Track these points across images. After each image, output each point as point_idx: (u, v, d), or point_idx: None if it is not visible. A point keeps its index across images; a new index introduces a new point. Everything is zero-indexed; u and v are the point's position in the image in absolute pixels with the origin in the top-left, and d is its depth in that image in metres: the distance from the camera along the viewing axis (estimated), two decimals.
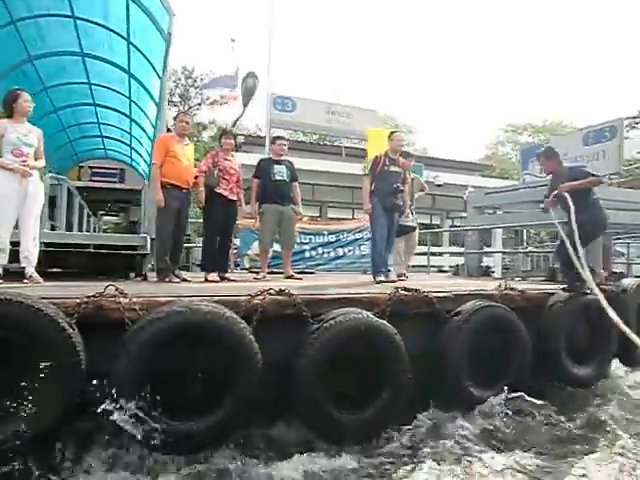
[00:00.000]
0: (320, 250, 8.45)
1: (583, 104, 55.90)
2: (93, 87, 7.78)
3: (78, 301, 2.96)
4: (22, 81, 7.00)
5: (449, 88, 60.06)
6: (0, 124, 4.09)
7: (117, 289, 3.11)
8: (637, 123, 28.73)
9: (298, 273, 6.45)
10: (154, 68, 6.22)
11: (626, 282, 5.04)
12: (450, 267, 10.22)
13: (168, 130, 5.90)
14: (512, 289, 4.48)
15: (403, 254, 6.67)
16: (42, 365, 2.69)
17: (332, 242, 8.66)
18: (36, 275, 4.09)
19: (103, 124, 9.55)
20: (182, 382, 2.93)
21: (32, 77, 6.97)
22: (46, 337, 2.69)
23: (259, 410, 3.06)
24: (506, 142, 40.32)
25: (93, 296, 3.00)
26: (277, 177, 5.48)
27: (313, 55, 59.32)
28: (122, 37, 6.06)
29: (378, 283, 5.00)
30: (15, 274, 4.23)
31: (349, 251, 8.82)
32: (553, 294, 4.61)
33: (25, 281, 4.05)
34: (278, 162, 5.58)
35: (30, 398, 2.66)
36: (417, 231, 6.78)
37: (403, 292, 3.98)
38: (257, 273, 5.74)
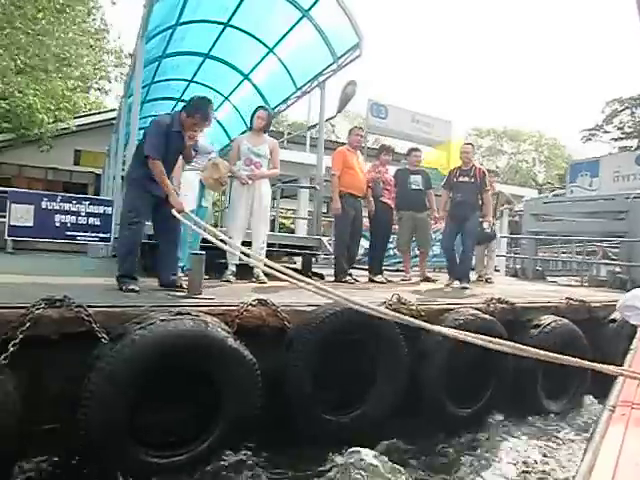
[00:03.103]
0: None
1: (541, 112, 59.70)
2: (191, 84, 7.92)
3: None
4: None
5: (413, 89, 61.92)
6: (238, 138, 4.47)
7: (399, 297, 3.68)
8: (592, 135, 31.51)
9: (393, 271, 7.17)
10: (292, 78, 6.54)
11: None
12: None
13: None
14: None
15: (483, 259, 7.35)
16: (385, 359, 3.25)
17: None
18: (263, 276, 4.48)
19: None
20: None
21: (148, 73, 7.06)
22: (386, 336, 3.25)
23: None
24: None
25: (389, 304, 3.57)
26: (413, 186, 6.00)
27: None
28: (265, 45, 6.34)
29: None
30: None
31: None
32: None
33: (253, 279, 4.45)
34: (414, 172, 6.12)
35: (376, 387, 3.21)
36: (497, 238, 7.39)
37: (573, 302, 4.82)
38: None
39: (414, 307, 3.65)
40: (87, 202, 6.25)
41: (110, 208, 6.29)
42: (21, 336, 2.33)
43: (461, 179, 5.61)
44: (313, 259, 5.59)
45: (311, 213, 13.17)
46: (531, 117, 62.37)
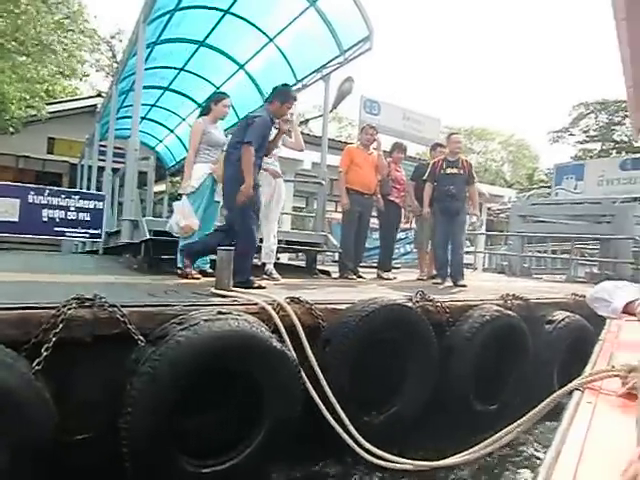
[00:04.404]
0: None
1: (508, 113, 61.00)
2: (181, 73, 7.63)
3: (411, 305, 3.44)
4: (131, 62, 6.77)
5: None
6: None
7: (423, 294, 3.64)
8: (559, 137, 32.56)
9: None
10: (292, 70, 6.36)
11: None
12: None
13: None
14: None
15: None
16: (419, 355, 3.21)
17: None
18: (275, 273, 4.33)
19: (155, 106, 9.23)
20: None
21: None
22: (420, 334, 3.21)
23: None
24: None
25: (416, 300, 3.52)
26: None
27: None
28: (265, 34, 6.14)
29: (434, 285, 5.13)
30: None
31: (397, 248, 9.54)
32: None
33: (265, 277, 4.30)
34: None
35: (412, 383, 3.16)
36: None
37: (578, 298, 4.91)
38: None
39: (439, 304, 3.61)
40: (77, 196, 5.87)
41: (102, 203, 5.93)
42: (54, 339, 2.13)
43: (449, 171, 5.28)
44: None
45: (295, 209, 13.14)
46: (498, 118, 63.83)
